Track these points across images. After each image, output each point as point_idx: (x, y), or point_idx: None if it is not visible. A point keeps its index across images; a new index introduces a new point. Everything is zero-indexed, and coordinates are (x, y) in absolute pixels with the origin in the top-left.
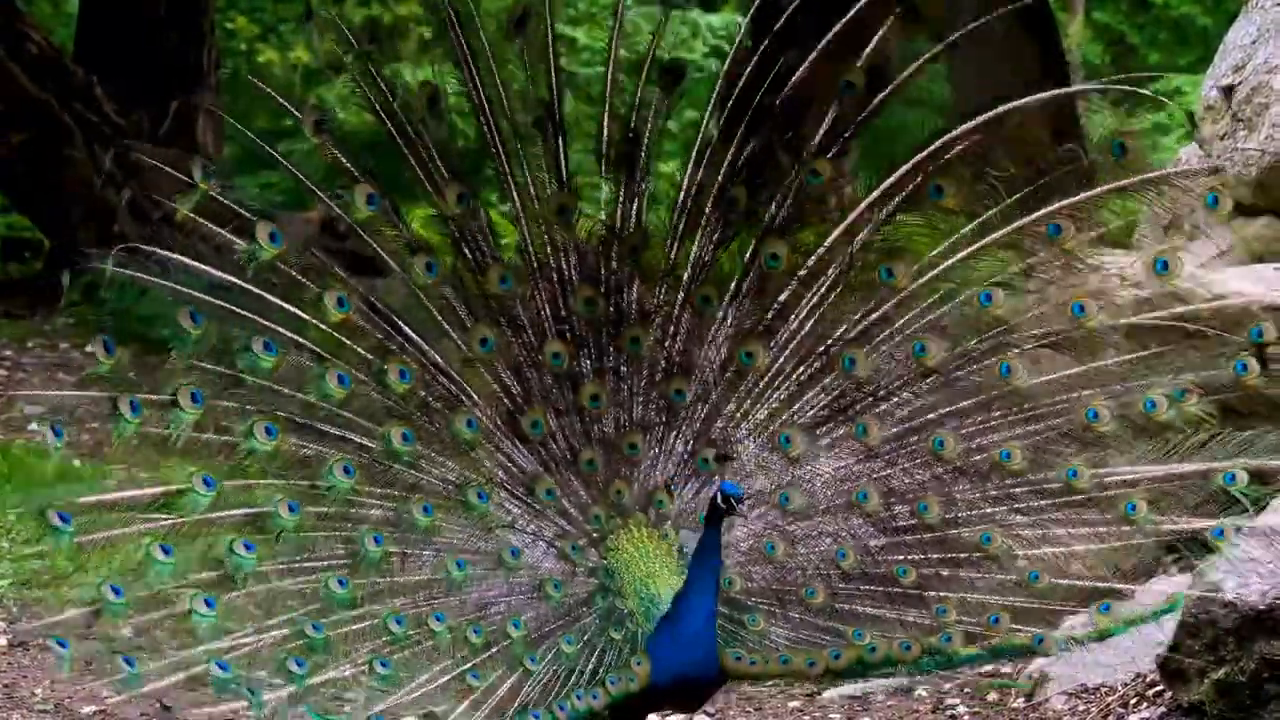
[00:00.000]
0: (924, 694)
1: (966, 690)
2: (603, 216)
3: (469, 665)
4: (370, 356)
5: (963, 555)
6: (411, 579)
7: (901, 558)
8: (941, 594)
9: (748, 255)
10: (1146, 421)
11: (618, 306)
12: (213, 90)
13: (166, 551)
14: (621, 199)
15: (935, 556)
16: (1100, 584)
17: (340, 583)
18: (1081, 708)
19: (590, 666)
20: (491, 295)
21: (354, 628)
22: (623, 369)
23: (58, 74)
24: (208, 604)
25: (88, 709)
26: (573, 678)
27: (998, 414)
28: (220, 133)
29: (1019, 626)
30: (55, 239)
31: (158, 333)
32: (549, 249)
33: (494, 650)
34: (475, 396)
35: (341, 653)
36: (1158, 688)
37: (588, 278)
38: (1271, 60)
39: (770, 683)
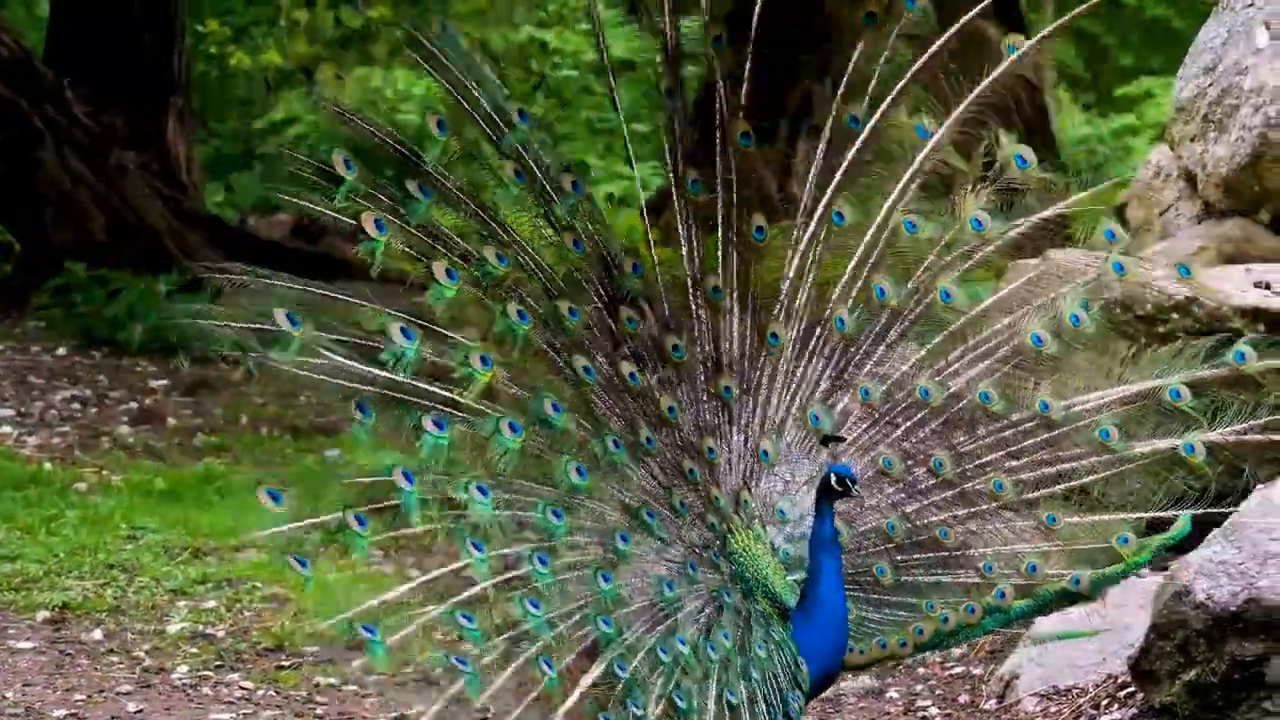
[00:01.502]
0: (895, 695)
1: (938, 692)
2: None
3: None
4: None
5: (983, 507)
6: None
7: (938, 519)
8: (982, 550)
9: (731, 235)
10: (1075, 336)
11: (659, 318)
12: (184, 93)
13: (469, 619)
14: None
15: (962, 512)
16: (1118, 516)
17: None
18: (1053, 709)
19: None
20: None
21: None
22: (675, 377)
23: (29, 76)
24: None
25: (58, 712)
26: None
27: (957, 352)
28: (191, 135)
29: (1054, 571)
30: (26, 242)
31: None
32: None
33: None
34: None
35: None
36: (1129, 689)
37: (618, 294)
38: (1242, 61)
39: None
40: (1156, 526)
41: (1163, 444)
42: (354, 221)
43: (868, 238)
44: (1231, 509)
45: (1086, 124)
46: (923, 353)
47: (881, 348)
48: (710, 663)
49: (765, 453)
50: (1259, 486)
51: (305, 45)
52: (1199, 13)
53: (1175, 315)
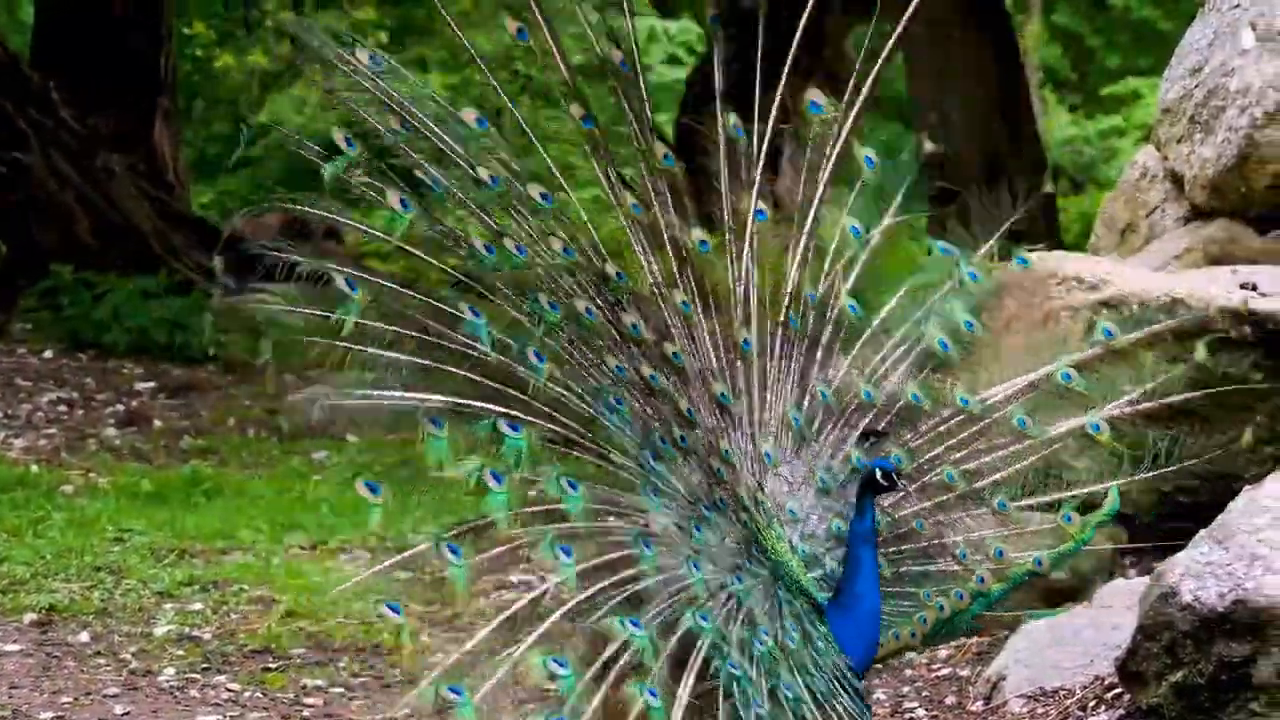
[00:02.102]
0: (882, 697)
1: (925, 693)
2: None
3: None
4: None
5: (943, 498)
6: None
7: (910, 511)
8: (954, 538)
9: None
10: (973, 339)
11: (654, 328)
12: (170, 94)
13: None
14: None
15: (927, 504)
16: (1056, 496)
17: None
18: (1040, 710)
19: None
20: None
21: None
22: (680, 381)
23: (14, 79)
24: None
25: (45, 714)
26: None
27: (878, 357)
28: (177, 137)
29: (1019, 554)
30: (12, 244)
31: None
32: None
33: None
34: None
35: None
36: (1116, 690)
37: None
38: (1228, 63)
39: None
40: (1094, 504)
41: (1072, 424)
42: (343, 220)
43: (793, 236)
44: None
45: (1073, 125)
46: (850, 356)
47: (820, 351)
48: (792, 656)
49: (768, 454)
50: (1247, 488)
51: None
52: (1186, 14)
53: (1162, 317)
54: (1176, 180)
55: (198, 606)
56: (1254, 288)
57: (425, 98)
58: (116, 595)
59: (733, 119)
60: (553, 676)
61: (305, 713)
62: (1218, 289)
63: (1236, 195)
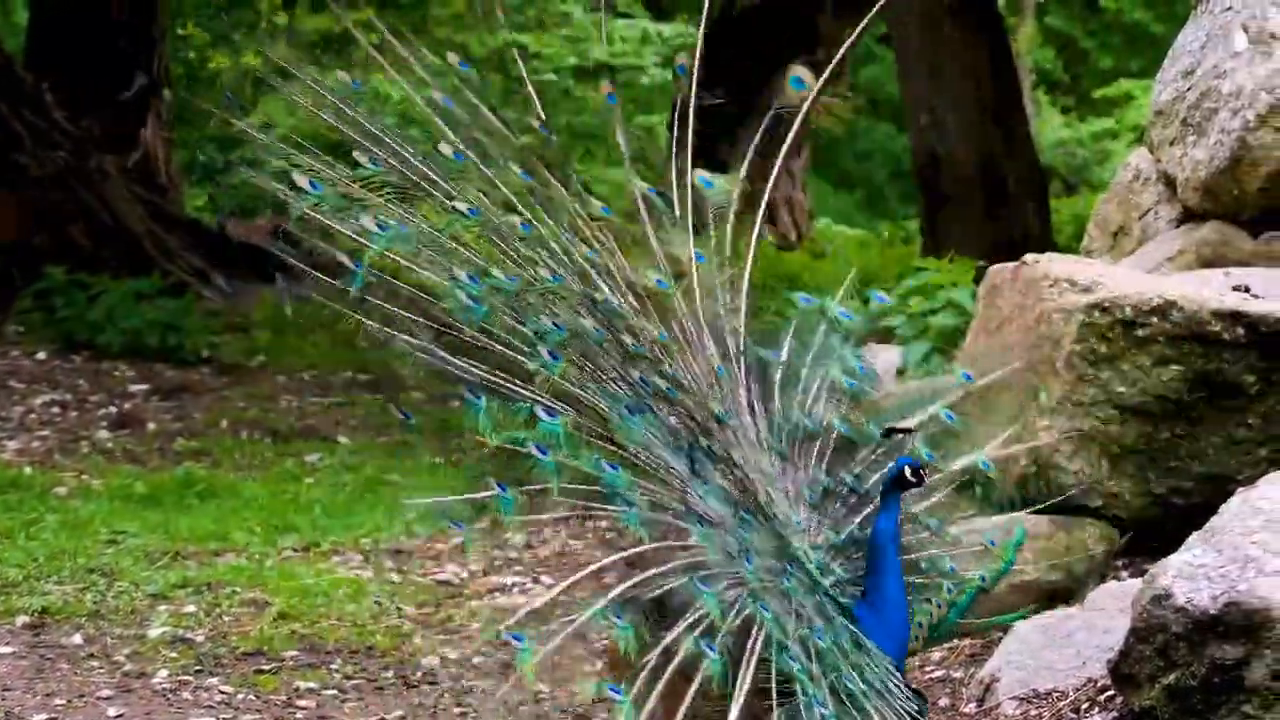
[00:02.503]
0: None
1: None
2: None
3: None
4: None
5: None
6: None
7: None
8: (916, 554)
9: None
10: (867, 379)
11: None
12: (163, 97)
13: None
14: None
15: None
16: (978, 517)
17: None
18: (1033, 712)
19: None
20: None
21: None
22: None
23: (8, 81)
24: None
25: (38, 717)
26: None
27: (799, 392)
28: (170, 139)
29: (968, 571)
30: (4, 245)
31: None
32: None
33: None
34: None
35: None
36: (1109, 692)
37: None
38: (1220, 65)
39: None
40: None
41: (964, 462)
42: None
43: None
44: None
45: (1066, 127)
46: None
47: (762, 385)
48: (849, 654)
49: (764, 469)
50: (1239, 490)
51: (285, 48)
52: (1178, 16)
53: (1154, 319)
54: (1169, 182)
55: (191, 609)
56: (1247, 290)
57: (400, 130)
58: (109, 597)
59: (694, 174)
60: (613, 627)
61: (298, 715)
62: (1210, 291)
63: (1229, 197)
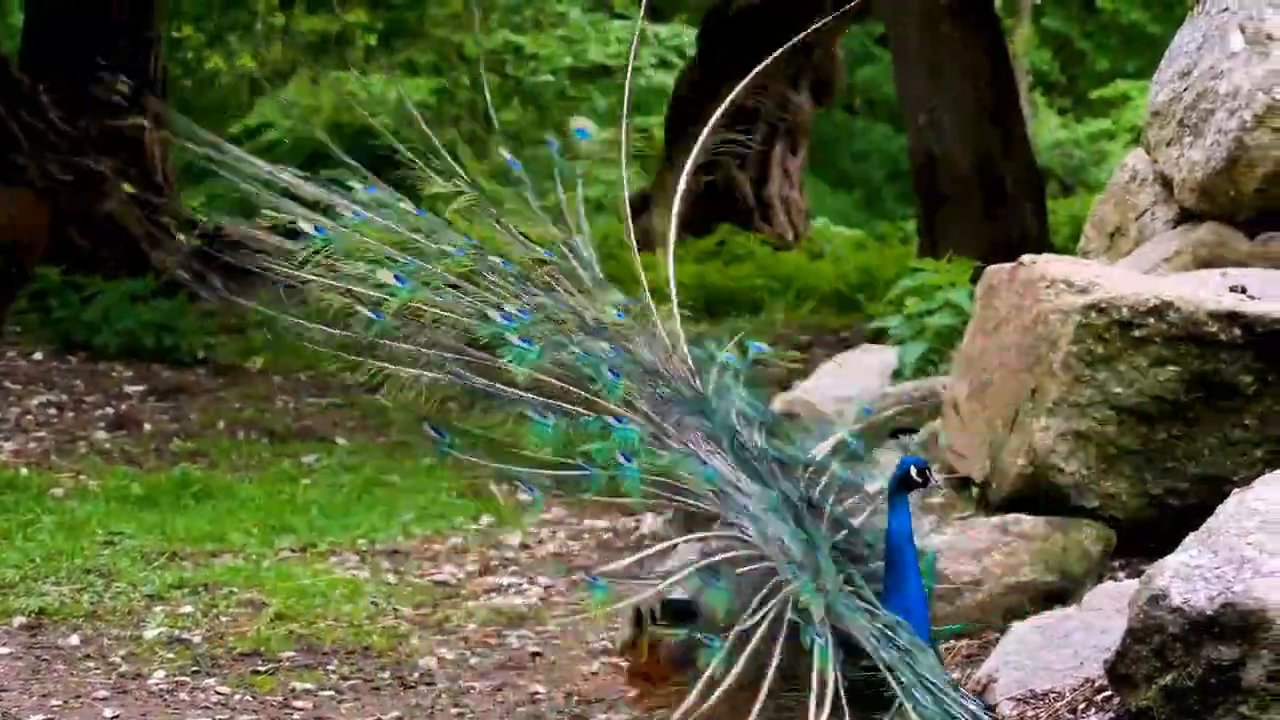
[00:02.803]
0: None
1: None
2: None
3: None
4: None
5: (855, 525)
6: None
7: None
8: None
9: None
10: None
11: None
12: (160, 96)
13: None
14: None
15: (851, 535)
16: None
17: None
18: (1030, 713)
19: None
20: None
21: None
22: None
23: (4, 82)
24: None
25: (35, 718)
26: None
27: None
28: (167, 139)
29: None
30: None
31: None
32: None
33: None
34: None
35: None
36: (1106, 693)
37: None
38: (1217, 66)
39: None
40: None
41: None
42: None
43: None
44: None
45: (1063, 128)
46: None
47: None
48: (917, 652)
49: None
50: (1236, 491)
51: (281, 50)
52: (1175, 17)
53: (1151, 320)
54: (1166, 183)
55: (187, 609)
56: (1244, 290)
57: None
58: (106, 598)
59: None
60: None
61: (295, 715)
62: (1207, 292)
63: (1225, 198)
